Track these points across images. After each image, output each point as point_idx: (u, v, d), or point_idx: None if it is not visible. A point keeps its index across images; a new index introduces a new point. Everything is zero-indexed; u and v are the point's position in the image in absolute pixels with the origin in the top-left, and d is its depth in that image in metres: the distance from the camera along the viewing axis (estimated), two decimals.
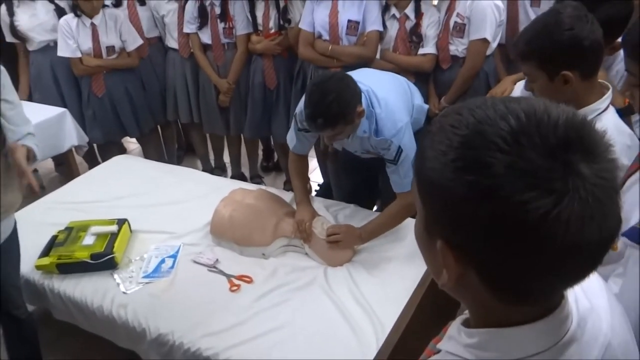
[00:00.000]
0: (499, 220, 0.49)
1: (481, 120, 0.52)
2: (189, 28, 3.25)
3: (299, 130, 2.14)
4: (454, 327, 0.66)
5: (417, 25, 2.73)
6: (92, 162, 3.60)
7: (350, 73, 1.97)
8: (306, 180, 2.36)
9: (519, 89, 2.04)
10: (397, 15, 2.76)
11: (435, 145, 0.55)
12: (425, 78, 2.85)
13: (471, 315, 0.64)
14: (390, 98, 2.01)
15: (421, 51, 2.76)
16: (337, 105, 1.78)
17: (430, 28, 2.72)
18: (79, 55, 3.17)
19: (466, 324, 0.65)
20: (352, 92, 1.84)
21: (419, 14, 2.72)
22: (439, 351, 0.67)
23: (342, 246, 2.06)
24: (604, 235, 0.51)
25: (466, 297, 0.62)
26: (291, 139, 2.22)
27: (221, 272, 2.01)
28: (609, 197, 0.50)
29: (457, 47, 2.70)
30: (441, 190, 0.53)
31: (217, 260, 2.07)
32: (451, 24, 2.68)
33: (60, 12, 3.25)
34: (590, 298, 0.64)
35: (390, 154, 1.98)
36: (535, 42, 1.38)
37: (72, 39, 3.12)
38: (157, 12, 3.42)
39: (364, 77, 2.01)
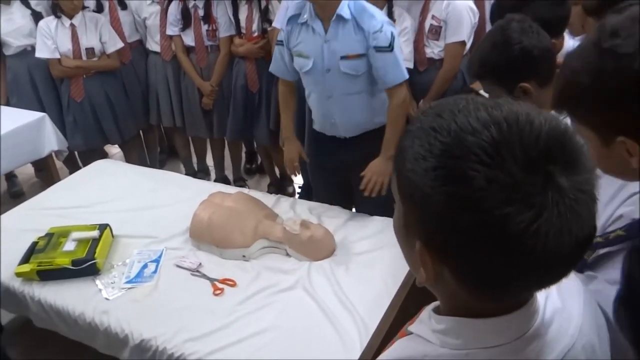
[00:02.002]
0: (479, 230, 0.50)
1: (463, 128, 0.52)
2: (172, 30, 3.24)
3: (277, 43, 2.20)
4: (426, 312, 0.68)
5: None
6: (72, 168, 3.57)
7: None
8: (291, 114, 2.40)
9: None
10: None
11: (415, 147, 0.55)
12: None
13: (442, 304, 0.66)
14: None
15: None
16: None
17: (402, 36, 2.72)
18: (58, 56, 3.14)
19: (437, 310, 0.67)
20: None
21: (391, 19, 2.74)
22: (410, 333, 0.69)
23: (382, 179, 2.12)
24: (580, 244, 0.52)
25: (441, 292, 0.64)
26: (273, 61, 2.27)
27: (204, 276, 2.00)
28: (587, 209, 0.51)
29: (433, 49, 2.72)
30: (422, 195, 0.54)
31: (200, 264, 2.06)
32: (426, 26, 2.70)
33: (37, 17, 3.22)
34: (563, 298, 0.65)
35: (385, 38, 1.96)
36: (488, 61, 1.43)
37: (50, 39, 3.10)
38: (138, 16, 3.40)
39: None
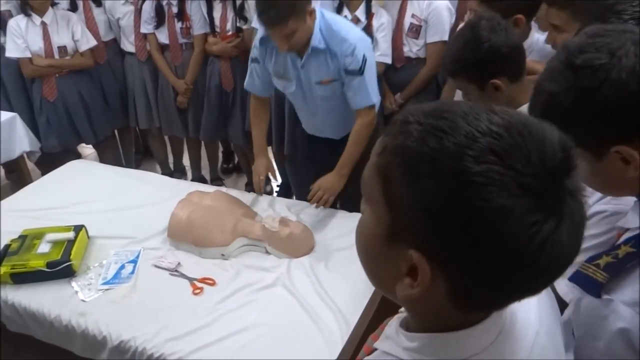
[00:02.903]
0: (502, 242, 0.48)
1: (481, 130, 0.49)
2: (146, 28, 3.21)
3: (252, 61, 2.17)
4: (392, 328, 0.65)
5: (369, 25, 2.75)
6: (45, 169, 3.49)
7: None
8: (264, 129, 2.38)
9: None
10: (349, 17, 2.78)
11: (415, 146, 0.51)
12: (378, 79, 2.89)
13: (415, 320, 0.62)
14: (343, 21, 2.06)
15: None
16: None
17: (380, 31, 2.75)
18: (29, 55, 3.07)
19: (405, 325, 0.64)
20: None
21: (369, 14, 2.76)
22: (375, 349, 0.66)
23: (330, 196, 2.11)
24: (574, 257, 0.53)
25: (423, 306, 0.58)
26: (248, 78, 2.25)
27: (183, 276, 1.99)
28: (584, 214, 0.52)
29: (412, 47, 2.75)
30: (429, 203, 0.49)
31: (178, 263, 2.04)
32: (406, 25, 2.73)
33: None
34: None
35: (356, 62, 1.97)
36: (460, 59, 1.46)
37: (21, 38, 3.02)
38: (112, 15, 3.35)
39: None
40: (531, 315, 0.64)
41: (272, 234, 2.05)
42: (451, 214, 0.48)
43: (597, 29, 0.79)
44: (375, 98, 2.08)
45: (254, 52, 2.15)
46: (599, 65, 0.75)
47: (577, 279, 0.82)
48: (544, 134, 0.49)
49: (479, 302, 0.55)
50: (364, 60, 1.97)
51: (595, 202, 0.98)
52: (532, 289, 0.55)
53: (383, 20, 2.73)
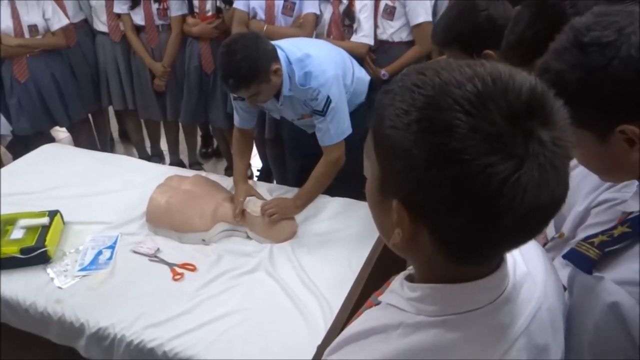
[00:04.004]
0: (460, 182, 0.50)
1: (447, 82, 0.52)
2: (120, 8, 3.11)
3: (234, 99, 2.14)
4: (397, 282, 0.68)
5: (350, 5, 2.71)
6: (17, 153, 3.38)
7: (283, 40, 1.98)
8: (247, 160, 2.34)
9: None
10: None
11: (396, 103, 0.54)
12: (361, 60, 2.85)
13: (416, 271, 0.66)
14: (317, 52, 2.03)
15: (354, 38, 2.71)
16: (247, 64, 1.79)
17: (362, 12, 2.70)
18: None
19: (409, 278, 0.67)
20: (263, 50, 1.86)
21: None
22: (379, 303, 0.69)
23: (280, 218, 2.05)
24: (554, 200, 0.53)
25: (415, 256, 0.63)
26: (238, 117, 2.21)
27: (163, 261, 1.95)
28: (563, 164, 0.52)
29: (386, 29, 2.71)
30: (402, 151, 0.53)
31: (158, 249, 2.00)
32: (381, 6, 2.69)
33: None
34: (528, 264, 0.67)
35: (319, 104, 1.99)
36: (454, 28, 1.45)
37: None
38: None
39: (293, 40, 2.07)
40: (536, 290, 0.66)
41: (254, 218, 2.02)
42: (419, 161, 0.51)
43: (604, 8, 0.79)
44: (339, 136, 2.07)
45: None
46: (607, 42, 0.74)
47: (571, 256, 0.83)
48: (511, 81, 0.52)
49: (463, 251, 0.57)
50: (328, 103, 1.98)
51: (605, 190, 0.97)
52: (508, 239, 0.55)
53: (366, 2, 2.69)
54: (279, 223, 2.05)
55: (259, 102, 2.00)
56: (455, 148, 0.49)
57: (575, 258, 0.81)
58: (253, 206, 2.05)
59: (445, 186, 0.51)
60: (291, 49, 1.99)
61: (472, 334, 0.59)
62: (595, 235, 0.83)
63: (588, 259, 0.80)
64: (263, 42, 1.88)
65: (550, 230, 1.08)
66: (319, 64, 1.99)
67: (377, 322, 0.66)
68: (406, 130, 0.52)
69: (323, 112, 1.99)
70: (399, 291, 0.66)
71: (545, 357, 0.64)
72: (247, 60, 1.80)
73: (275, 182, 2.98)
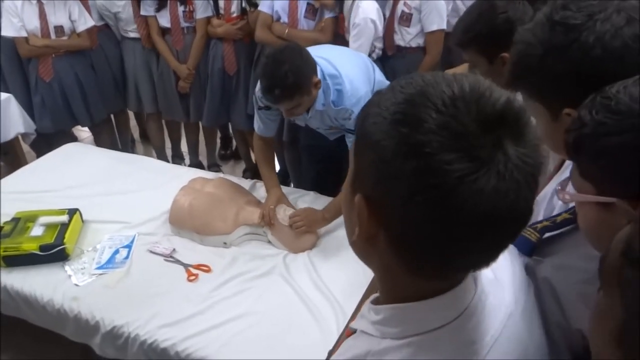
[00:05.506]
0: (418, 176, 0.50)
1: (428, 84, 0.53)
2: (146, 10, 3.14)
3: (259, 109, 2.12)
4: (366, 306, 0.67)
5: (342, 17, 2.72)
6: (40, 151, 3.45)
7: (309, 48, 1.96)
8: (273, 165, 2.34)
9: None
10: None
11: (381, 102, 0.55)
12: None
13: (380, 289, 0.65)
14: (349, 69, 2.01)
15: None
16: (293, 75, 1.77)
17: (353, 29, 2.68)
18: (25, 34, 3.01)
19: (375, 301, 0.66)
20: (306, 62, 1.85)
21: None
22: (355, 331, 0.68)
23: (306, 230, 2.03)
24: (513, 216, 0.51)
25: (374, 262, 0.62)
26: (255, 121, 2.20)
27: (178, 262, 1.96)
28: (526, 181, 0.51)
29: (403, 36, 2.71)
30: (373, 143, 0.53)
31: (174, 249, 2.02)
32: (398, 12, 2.68)
33: None
34: (494, 270, 0.65)
35: (352, 124, 1.98)
36: (473, 29, 1.43)
37: (17, 17, 2.96)
38: (108, 11, 3.28)
39: (321, 51, 2.03)
40: (505, 296, 0.65)
41: (281, 226, 2.03)
42: (386, 151, 0.51)
43: None
44: None
45: (261, 102, 2.08)
46: (573, 25, 0.75)
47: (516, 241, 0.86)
48: (488, 91, 0.52)
49: (419, 260, 0.55)
50: None
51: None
52: (464, 249, 0.53)
53: (358, 22, 2.68)
54: (302, 235, 2.05)
55: (296, 115, 1.99)
56: (420, 141, 0.49)
57: (518, 242, 0.83)
58: (283, 214, 2.05)
59: (404, 178, 0.50)
60: (323, 62, 1.98)
61: (440, 353, 0.57)
62: (540, 222, 0.85)
63: (529, 242, 0.83)
64: (306, 54, 1.87)
65: None
66: (351, 82, 1.97)
67: (348, 353, 0.64)
68: (382, 123, 0.53)
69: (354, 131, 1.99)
70: (366, 315, 0.65)
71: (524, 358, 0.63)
72: (293, 71, 1.77)
73: (292, 185, 2.98)
